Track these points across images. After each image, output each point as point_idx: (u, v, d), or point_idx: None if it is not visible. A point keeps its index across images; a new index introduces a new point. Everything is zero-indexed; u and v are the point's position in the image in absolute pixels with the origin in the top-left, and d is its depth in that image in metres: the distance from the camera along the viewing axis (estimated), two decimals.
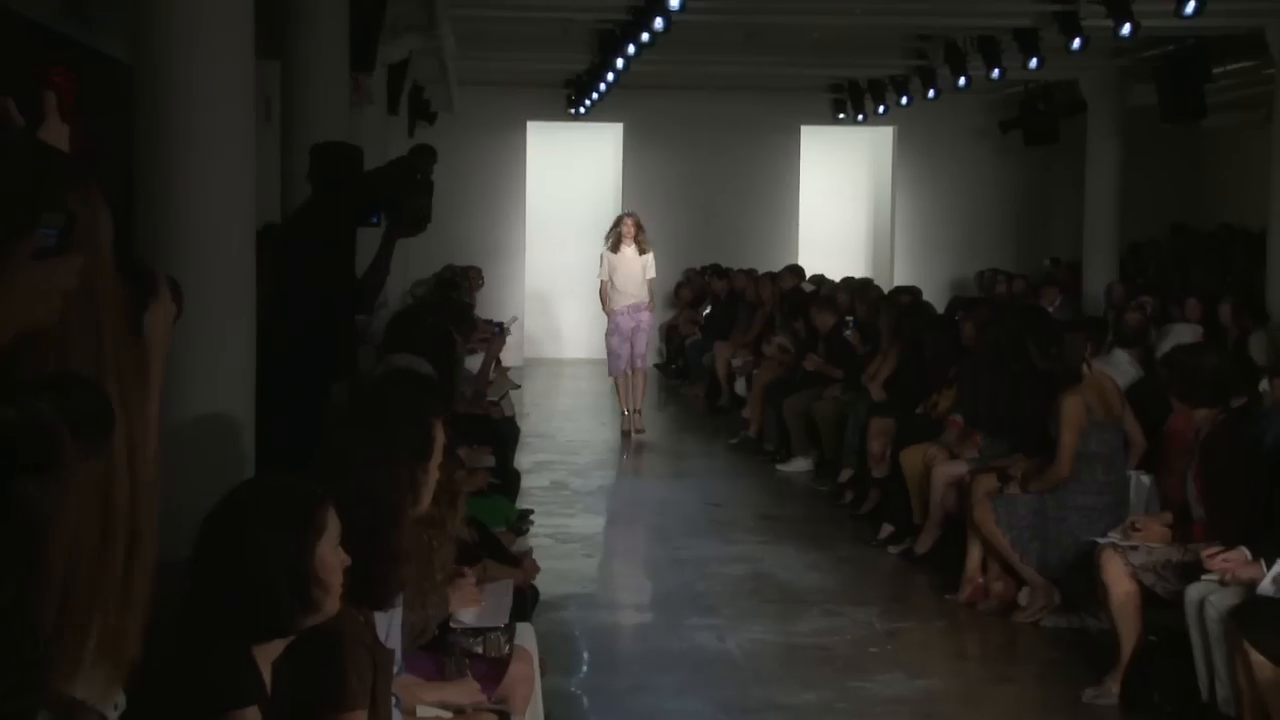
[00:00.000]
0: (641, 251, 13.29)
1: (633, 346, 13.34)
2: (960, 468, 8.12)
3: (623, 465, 12.65)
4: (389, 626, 3.58)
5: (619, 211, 20.19)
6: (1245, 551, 5.47)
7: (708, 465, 12.26)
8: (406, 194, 6.08)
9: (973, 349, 8.73)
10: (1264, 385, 6.11)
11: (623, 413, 13.50)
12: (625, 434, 13.32)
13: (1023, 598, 7.41)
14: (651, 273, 13.37)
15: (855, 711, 6.08)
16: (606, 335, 13.61)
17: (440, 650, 4.21)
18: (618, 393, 13.63)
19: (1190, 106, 13.41)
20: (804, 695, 6.29)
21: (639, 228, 13.31)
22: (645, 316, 13.42)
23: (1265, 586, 5.29)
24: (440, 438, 3.73)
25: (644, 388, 13.55)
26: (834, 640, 7.01)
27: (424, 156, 6.77)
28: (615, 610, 7.82)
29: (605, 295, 13.45)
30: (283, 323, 5.88)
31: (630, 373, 13.35)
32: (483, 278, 17.62)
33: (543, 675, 4.72)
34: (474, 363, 8.87)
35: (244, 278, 5.00)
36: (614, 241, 13.37)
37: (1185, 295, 12.73)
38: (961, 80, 14.98)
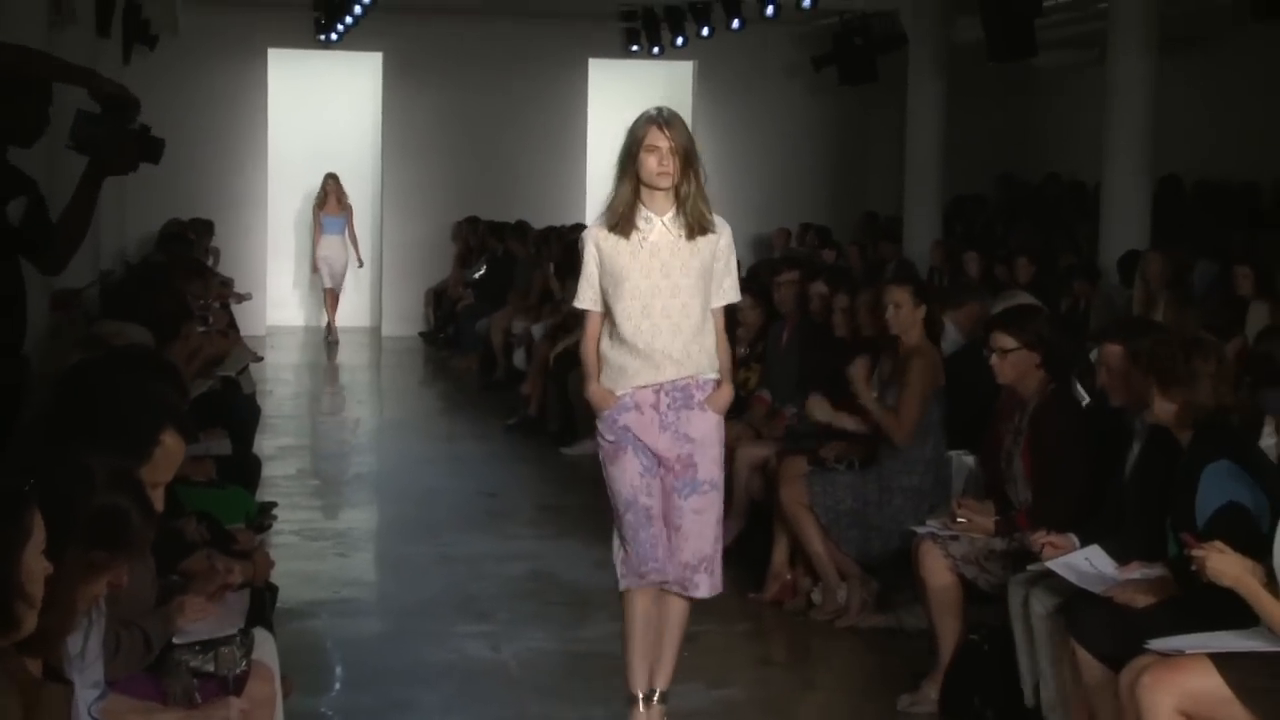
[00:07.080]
0: (694, 229, 5.75)
1: (673, 506, 5.81)
2: (766, 449, 8.18)
3: (382, 447, 12.23)
4: (84, 645, 3.58)
5: (376, 158, 20.24)
6: (1074, 539, 5.63)
7: (481, 449, 12.21)
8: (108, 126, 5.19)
9: (785, 316, 8.80)
10: (1093, 354, 6.01)
11: (633, 692, 5.92)
12: None
13: (816, 595, 7.52)
14: (732, 288, 5.91)
15: None
16: (603, 458, 5.96)
17: (161, 672, 4.14)
18: (625, 631, 5.90)
19: (1019, 43, 13.68)
20: (590, 710, 6.32)
21: (685, 161, 5.74)
22: (705, 426, 5.86)
23: (1059, 564, 5.42)
24: (175, 447, 3.86)
25: (682, 629, 5.94)
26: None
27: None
28: (372, 617, 7.78)
29: (592, 349, 6.00)
30: None
31: (666, 584, 5.81)
32: (212, 238, 17.07)
33: (286, 695, 4.70)
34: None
35: None
36: (623, 206, 5.77)
37: (1012, 254, 13.18)
38: (770, 8, 15.10)
